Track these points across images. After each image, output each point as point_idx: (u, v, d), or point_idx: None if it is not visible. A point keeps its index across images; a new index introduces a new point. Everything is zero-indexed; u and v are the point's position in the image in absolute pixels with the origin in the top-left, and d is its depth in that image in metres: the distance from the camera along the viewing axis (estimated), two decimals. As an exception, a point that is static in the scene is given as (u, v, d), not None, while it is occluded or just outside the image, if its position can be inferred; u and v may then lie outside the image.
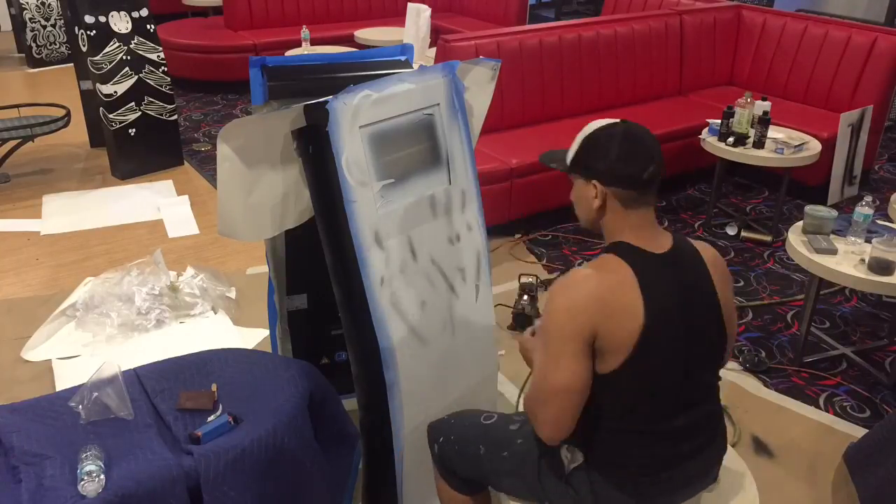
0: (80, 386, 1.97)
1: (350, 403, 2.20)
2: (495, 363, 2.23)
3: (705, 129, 4.17)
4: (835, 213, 2.97)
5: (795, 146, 3.90)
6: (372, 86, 1.77)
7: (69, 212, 4.23)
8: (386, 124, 1.81)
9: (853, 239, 2.91)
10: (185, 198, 4.42)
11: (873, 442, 2.35)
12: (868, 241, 2.85)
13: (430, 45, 5.58)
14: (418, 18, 5.48)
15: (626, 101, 4.84)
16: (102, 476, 1.65)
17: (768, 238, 4.08)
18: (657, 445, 1.54)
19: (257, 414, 1.92)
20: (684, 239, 1.62)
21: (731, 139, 3.91)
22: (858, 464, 2.38)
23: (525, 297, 3.23)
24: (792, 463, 2.55)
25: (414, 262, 1.88)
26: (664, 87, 5.03)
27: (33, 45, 6.93)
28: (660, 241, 1.55)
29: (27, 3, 6.76)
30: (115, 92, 4.45)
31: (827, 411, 2.82)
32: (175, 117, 4.78)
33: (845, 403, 2.87)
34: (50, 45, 7.03)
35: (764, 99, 3.98)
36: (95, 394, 1.92)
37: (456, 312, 2.00)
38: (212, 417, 1.91)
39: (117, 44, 4.38)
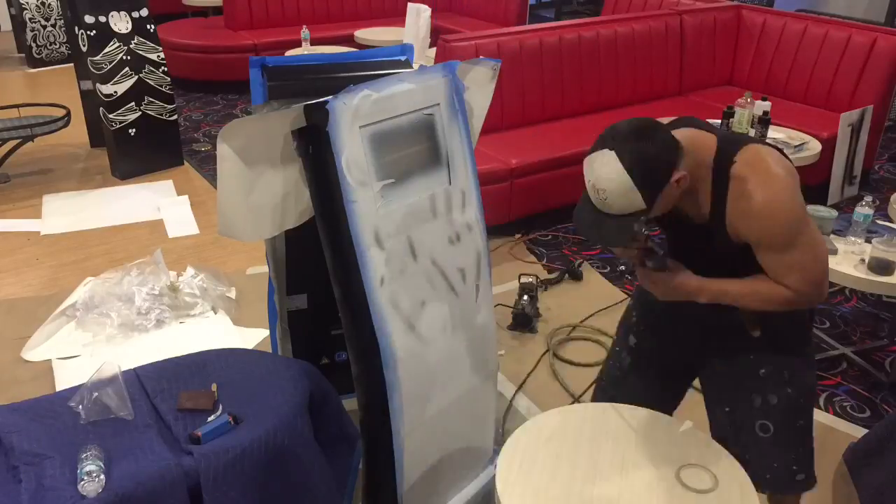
0: (80, 386, 1.97)
1: (350, 403, 2.19)
2: (495, 363, 2.23)
3: (705, 130, 4.16)
4: (835, 212, 2.98)
5: (795, 146, 3.90)
6: (372, 86, 1.77)
7: (69, 212, 4.23)
8: (386, 124, 1.81)
9: (853, 239, 2.92)
10: (185, 198, 4.42)
11: (873, 442, 2.35)
12: (868, 241, 2.85)
13: (430, 46, 5.59)
14: (418, 18, 5.49)
15: (626, 101, 4.84)
16: (102, 476, 1.65)
17: (768, 238, 4.08)
18: None
19: (257, 414, 1.92)
20: None
21: (731, 139, 3.91)
22: (858, 464, 2.38)
23: (525, 297, 3.23)
24: (792, 463, 2.55)
25: (414, 263, 1.87)
26: (664, 87, 5.04)
27: (33, 45, 6.93)
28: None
29: (27, 3, 6.76)
30: (115, 92, 4.45)
31: (827, 411, 2.82)
32: (175, 117, 4.78)
33: (845, 403, 2.87)
34: (50, 45, 7.03)
35: (764, 99, 3.98)
36: (95, 394, 1.92)
37: (456, 312, 2.00)
38: (212, 418, 1.91)
39: (117, 44, 4.38)
